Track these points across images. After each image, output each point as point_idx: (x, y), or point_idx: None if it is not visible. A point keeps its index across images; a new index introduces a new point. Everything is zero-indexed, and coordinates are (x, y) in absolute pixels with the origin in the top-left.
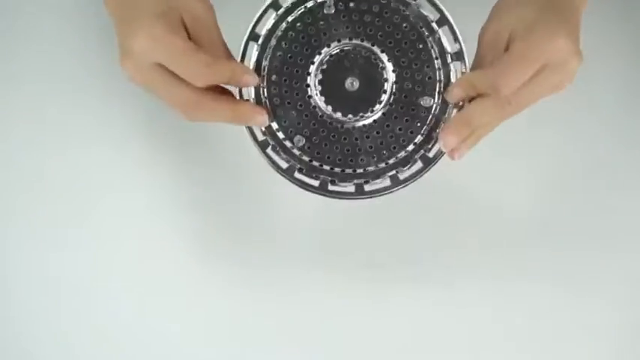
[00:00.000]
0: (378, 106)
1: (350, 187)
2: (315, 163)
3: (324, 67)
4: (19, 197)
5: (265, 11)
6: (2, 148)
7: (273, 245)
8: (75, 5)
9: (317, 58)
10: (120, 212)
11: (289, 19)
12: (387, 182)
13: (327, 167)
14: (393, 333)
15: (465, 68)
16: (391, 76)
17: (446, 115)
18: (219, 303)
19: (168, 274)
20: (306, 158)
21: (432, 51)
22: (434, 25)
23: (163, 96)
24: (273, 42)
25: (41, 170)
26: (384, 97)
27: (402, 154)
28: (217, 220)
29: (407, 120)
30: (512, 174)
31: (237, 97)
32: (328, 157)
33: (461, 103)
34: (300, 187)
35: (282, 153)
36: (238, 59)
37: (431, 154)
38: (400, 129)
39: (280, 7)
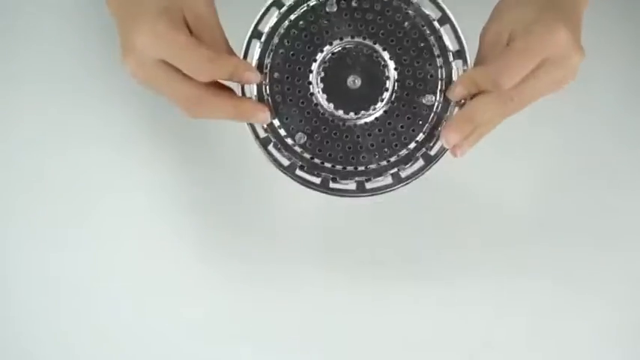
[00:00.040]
0: (379, 104)
1: (351, 185)
2: (317, 161)
3: (326, 64)
4: (19, 197)
5: (268, 9)
6: (2, 148)
7: (275, 243)
8: (75, 5)
9: (319, 56)
10: (120, 212)
11: (292, 17)
12: (388, 180)
13: (328, 165)
14: (394, 330)
15: (467, 66)
16: (393, 74)
17: (448, 113)
18: (220, 302)
19: (168, 273)
20: (307, 156)
21: (434, 49)
22: (435, 23)
23: (166, 92)
24: (276, 40)
25: (41, 170)
26: (386, 95)
27: (404, 152)
28: (218, 219)
29: (408, 118)
30: (513, 172)
31: (240, 95)
32: (330, 155)
33: (463, 101)
34: (302, 184)
35: (283, 150)
36: (241, 57)
37: (432, 152)
38: (402, 127)
39: (283, 5)
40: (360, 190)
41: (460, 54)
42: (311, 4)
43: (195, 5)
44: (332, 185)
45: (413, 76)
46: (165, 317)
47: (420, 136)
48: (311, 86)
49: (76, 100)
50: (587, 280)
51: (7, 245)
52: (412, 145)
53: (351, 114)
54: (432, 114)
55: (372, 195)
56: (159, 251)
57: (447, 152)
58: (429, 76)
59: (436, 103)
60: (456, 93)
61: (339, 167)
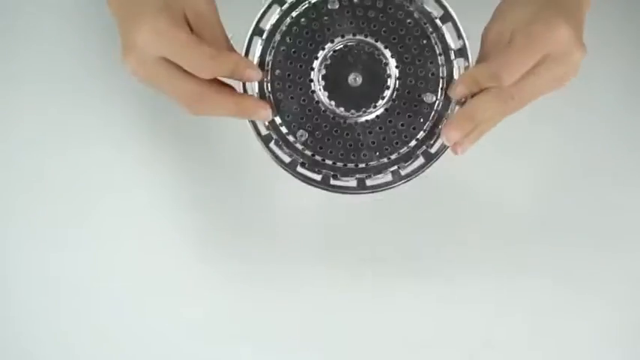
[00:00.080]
0: (380, 102)
1: (352, 182)
2: (318, 158)
3: (328, 62)
4: (19, 197)
5: (270, 6)
6: (2, 148)
7: (276, 241)
8: (75, 5)
9: (321, 54)
10: (120, 212)
11: (293, 14)
12: (388, 177)
13: (329, 162)
14: (395, 328)
15: (469, 65)
16: (394, 72)
17: (448, 112)
18: (220, 302)
19: (168, 273)
20: (308, 153)
21: (436, 47)
22: (437, 21)
23: (167, 90)
24: (277, 37)
25: (41, 170)
26: (387, 93)
27: (404, 149)
28: (219, 218)
29: (409, 116)
30: (513, 171)
31: (241, 92)
32: (331, 152)
33: (463, 100)
34: (303, 181)
35: (284, 147)
36: (242, 54)
37: (433, 150)
38: (402, 125)
39: (284, 2)
40: (361, 188)
41: (462, 52)
42: (313, 2)
43: (195, 3)
44: (333, 182)
45: (414, 74)
46: (165, 317)
47: (421, 134)
48: (312, 84)
49: (76, 100)
50: (588, 279)
51: (7, 245)
52: (413, 143)
53: (352, 111)
54: (433, 112)
55: (373, 192)
56: (159, 251)
57: (448, 150)
58: (430, 75)
59: (437, 102)
60: (457, 92)
61: (339, 164)
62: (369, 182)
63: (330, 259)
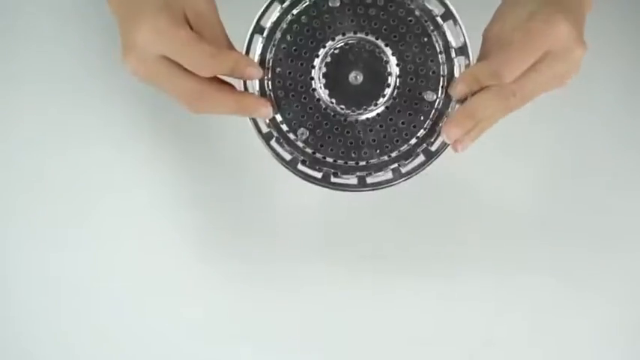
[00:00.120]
0: (381, 100)
1: (352, 180)
2: (318, 156)
3: (329, 60)
4: (19, 197)
5: (270, 4)
6: (2, 148)
7: (276, 238)
8: (75, 5)
9: (321, 52)
10: (120, 212)
11: (294, 12)
12: (389, 175)
13: (330, 160)
14: (395, 325)
15: (469, 63)
16: (395, 70)
17: (449, 110)
18: (220, 302)
19: (168, 273)
20: (309, 150)
21: (437, 45)
22: (438, 19)
23: (167, 88)
24: (278, 35)
25: (41, 170)
26: (388, 91)
27: (405, 147)
28: (219, 217)
29: (410, 114)
30: (514, 169)
31: (242, 90)
32: (331, 150)
33: (464, 98)
34: (303, 179)
35: (285, 145)
36: (243, 52)
37: (433, 148)
38: (403, 123)
39: (285, 0)
40: (361, 185)
41: (463, 50)
42: None
43: (195, 3)
44: (333, 180)
45: (415, 73)
46: (165, 317)
47: (421, 132)
48: (313, 82)
49: (76, 100)
50: (587, 277)
51: (7, 245)
52: (413, 141)
53: (353, 109)
54: (434, 110)
55: (373, 190)
56: (159, 251)
57: (448, 148)
58: (431, 73)
59: (437, 100)
60: (458, 91)
61: (340, 162)
62: (369, 180)
63: (330, 257)
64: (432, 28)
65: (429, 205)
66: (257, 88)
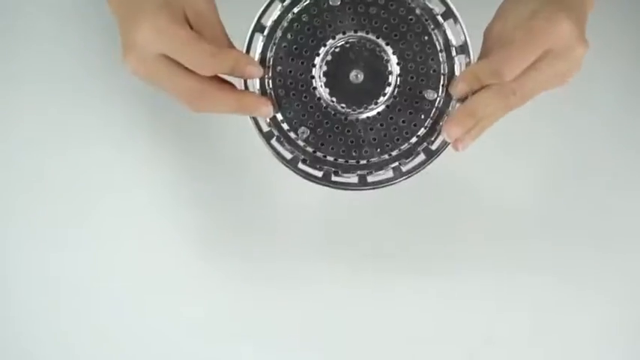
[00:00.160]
0: (382, 99)
1: (353, 178)
2: (319, 154)
3: (329, 58)
4: (19, 197)
5: (271, 3)
6: (2, 148)
7: (277, 237)
8: (75, 5)
9: (322, 50)
10: (120, 211)
11: (295, 10)
12: (389, 174)
13: (330, 158)
14: (395, 323)
15: (470, 62)
16: (395, 69)
17: (449, 108)
18: (221, 300)
19: (169, 272)
20: (310, 149)
21: (437, 44)
22: (439, 17)
23: (168, 87)
24: (279, 33)
25: (41, 170)
26: (388, 90)
27: (405, 146)
28: (220, 216)
29: (410, 113)
30: (514, 167)
31: (243, 89)
32: (332, 149)
33: (464, 97)
34: (304, 177)
35: (286, 144)
36: (244, 50)
37: (434, 147)
38: (404, 121)
39: None
40: (362, 184)
41: (463, 49)
42: None
43: (195, 2)
44: (334, 178)
45: (415, 71)
46: (165, 316)
47: (422, 131)
48: (314, 80)
49: (76, 100)
50: (588, 275)
51: (7, 245)
52: (414, 140)
53: (354, 108)
54: (434, 109)
55: (374, 188)
56: (159, 250)
57: (449, 147)
58: (431, 71)
59: (438, 98)
60: (459, 90)
61: (341, 161)
62: (370, 179)
63: (331, 256)
64: (432, 26)
65: (429, 203)
66: (258, 86)
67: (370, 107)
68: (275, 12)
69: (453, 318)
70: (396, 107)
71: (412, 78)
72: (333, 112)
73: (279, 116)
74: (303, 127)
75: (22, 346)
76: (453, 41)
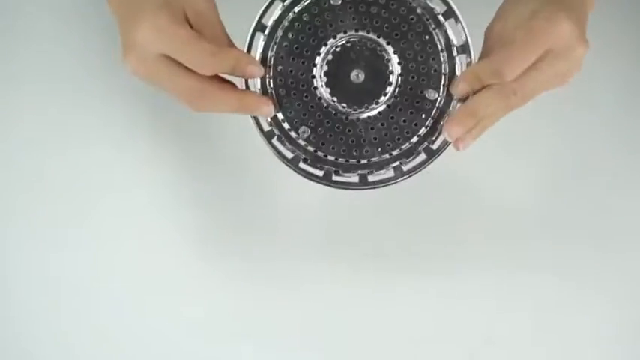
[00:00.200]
0: (382, 98)
1: (354, 178)
2: (320, 154)
3: (330, 58)
4: (19, 197)
5: (272, 2)
6: (2, 148)
7: (277, 237)
8: (75, 5)
9: (323, 50)
10: (120, 211)
11: (296, 9)
12: (390, 173)
13: (331, 158)
14: (396, 323)
15: (471, 61)
16: (396, 69)
17: (450, 108)
18: (221, 300)
19: (169, 272)
20: (310, 149)
21: (438, 43)
22: (440, 17)
23: (168, 87)
24: (280, 33)
25: (41, 170)
26: (389, 90)
27: (406, 145)
28: (220, 215)
29: (411, 112)
30: (515, 167)
31: (244, 88)
32: (333, 148)
33: (465, 97)
34: (305, 177)
35: (287, 143)
36: (245, 50)
37: (435, 147)
38: (404, 121)
39: None
40: (363, 183)
41: (464, 49)
42: None
43: (195, 2)
44: (335, 178)
45: (416, 71)
46: (165, 316)
47: (423, 130)
48: (314, 80)
49: (76, 100)
50: (589, 275)
51: (7, 245)
52: (414, 139)
53: (355, 108)
54: (435, 108)
55: (375, 188)
56: (159, 250)
57: (450, 146)
58: (432, 71)
59: (439, 98)
60: (459, 89)
61: (342, 160)
62: (371, 178)
63: (331, 255)
64: (433, 26)
65: (430, 203)
66: (258, 86)
67: (371, 107)
68: (276, 11)
69: (453, 318)
70: (397, 107)
71: (413, 77)
72: (334, 112)
73: (280, 116)
74: (304, 127)
75: (22, 346)
76: (454, 41)
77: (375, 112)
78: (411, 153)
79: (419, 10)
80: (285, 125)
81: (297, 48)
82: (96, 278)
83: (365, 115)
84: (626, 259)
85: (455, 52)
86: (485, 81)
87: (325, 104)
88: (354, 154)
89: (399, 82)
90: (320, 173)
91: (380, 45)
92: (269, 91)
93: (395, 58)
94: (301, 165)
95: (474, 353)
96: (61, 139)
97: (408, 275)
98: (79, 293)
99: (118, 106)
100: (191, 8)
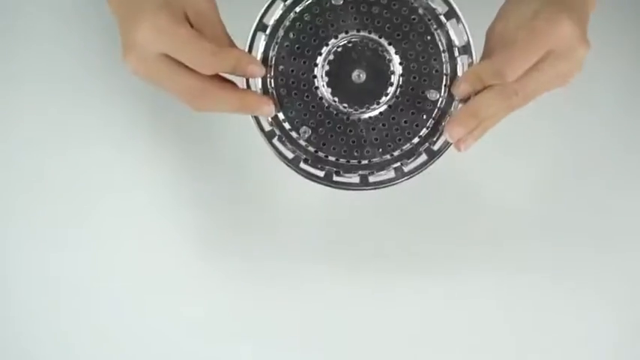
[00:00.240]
0: (384, 99)
1: (355, 178)
2: (321, 154)
3: (332, 58)
4: (19, 197)
5: (273, 2)
6: (2, 148)
7: (278, 237)
8: (75, 5)
9: (324, 50)
10: (120, 211)
11: (297, 9)
12: (391, 174)
13: (332, 158)
14: (396, 324)
15: (472, 62)
16: (398, 69)
17: (452, 109)
18: (221, 300)
19: (169, 272)
20: (311, 149)
21: (440, 44)
22: (442, 17)
23: (169, 86)
24: (281, 32)
25: (41, 170)
26: (391, 90)
27: (407, 146)
28: (220, 215)
29: (413, 113)
30: (516, 168)
31: (245, 88)
32: (334, 148)
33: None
34: (306, 177)
35: (288, 143)
36: (246, 49)
37: (436, 147)
38: (406, 121)
39: None
40: (364, 184)
41: (466, 49)
42: None
43: (195, 2)
44: (336, 178)
45: (418, 71)
46: (165, 316)
47: (424, 131)
48: (316, 80)
49: (76, 100)
50: (588, 276)
51: (7, 245)
52: (415, 140)
53: (356, 108)
54: (436, 109)
55: (375, 188)
56: (159, 250)
57: (450, 147)
58: (434, 72)
59: (440, 99)
60: (461, 90)
61: (342, 161)
62: (371, 179)
63: (331, 256)
64: (435, 26)
65: (430, 204)
66: (260, 86)
67: (372, 107)
68: (277, 11)
69: (453, 318)
70: (398, 107)
71: (414, 78)
72: (335, 112)
73: (281, 115)
74: (304, 127)
75: (22, 346)
76: (456, 41)
77: (376, 113)
78: (412, 154)
79: (420, 11)
80: (286, 125)
81: (298, 48)
82: (96, 278)
83: (366, 116)
84: (626, 260)
85: (456, 53)
86: (486, 81)
87: (326, 104)
88: (355, 154)
89: (401, 83)
90: (321, 173)
91: (381, 45)
92: (270, 90)
93: (396, 59)
94: (302, 165)
95: (474, 353)
96: (61, 139)
97: (408, 276)
98: (79, 293)
99: (118, 106)
100: (191, 8)
